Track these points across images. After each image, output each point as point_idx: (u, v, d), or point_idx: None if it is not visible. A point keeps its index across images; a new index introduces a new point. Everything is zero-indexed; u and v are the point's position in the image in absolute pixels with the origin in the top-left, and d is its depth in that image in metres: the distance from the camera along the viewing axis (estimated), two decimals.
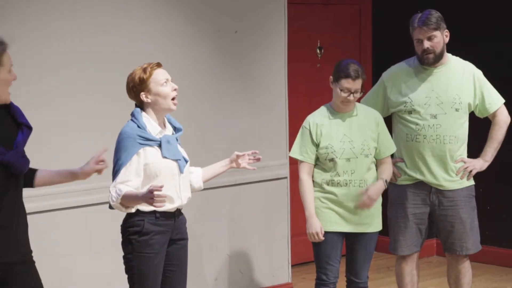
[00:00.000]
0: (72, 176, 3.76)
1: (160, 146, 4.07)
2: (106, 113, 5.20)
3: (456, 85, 4.89)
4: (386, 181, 4.74)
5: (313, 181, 4.75)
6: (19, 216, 3.55)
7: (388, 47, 6.98)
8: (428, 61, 4.84)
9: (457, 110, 4.87)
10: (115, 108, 5.17)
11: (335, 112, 4.73)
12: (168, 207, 4.09)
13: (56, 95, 5.03)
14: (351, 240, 4.75)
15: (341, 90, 4.62)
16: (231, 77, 5.83)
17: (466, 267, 5.05)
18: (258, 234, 6.05)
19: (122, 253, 4.14)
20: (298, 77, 6.64)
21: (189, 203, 5.63)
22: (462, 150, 4.96)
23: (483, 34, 6.87)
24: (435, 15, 4.83)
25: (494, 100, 4.96)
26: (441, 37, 4.83)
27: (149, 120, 4.10)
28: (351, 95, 4.62)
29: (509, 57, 6.78)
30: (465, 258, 5.03)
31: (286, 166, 6.08)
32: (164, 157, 4.07)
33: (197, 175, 4.39)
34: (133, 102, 5.30)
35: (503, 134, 5.02)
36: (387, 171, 4.77)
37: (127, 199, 3.92)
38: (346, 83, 4.61)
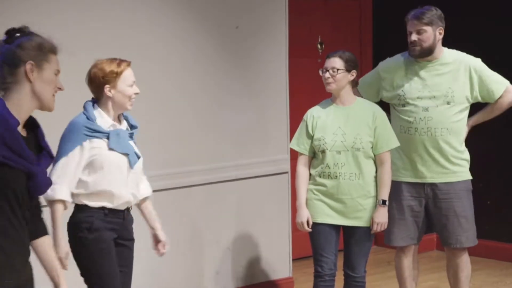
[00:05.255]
0: (54, 282, 3.34)
1: (108, 138, 4.01)
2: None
3: (449, 78, 4.92)
4: (384, 201, 4.76)
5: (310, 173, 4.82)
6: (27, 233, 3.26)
7: (389, 42, 6.99)
8: (414, 53, 4.91)
9: (448, 103, 4.91)
10: None
11: (334, 105, 4.80)
12: (116, 203, 4.03)
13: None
14: (346, 234, 4.80)
15: (322, 73, 4.75)
16: (232, 72, 5.84)
17: (464, 261, 5.06)
18: (259, 229, 6.07)
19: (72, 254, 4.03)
20: (299, 73, 6.65)
21: (191, 197, 5.69)
22: (459, 141, 4.97)
23: (486, 35, 6.90)
24: (432, 11, 4.90)
25: (496, 87, 4.97)
26: (432, 33, 4.87)
27: (100, 114, 4.05)
28: (327, 72, 4.72)
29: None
30: (462, 252, 5.05)
31: (287, 161, 6.10)
32: (111, 149, 4.01)
33: (142, 191, 4.25)
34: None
35: (499, 113, 5.08)
36: (385, 185, 4.76)
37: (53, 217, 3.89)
38: (325, 63, 4.76)
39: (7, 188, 3.02)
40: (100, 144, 4.00)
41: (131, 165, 4.08)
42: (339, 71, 4.72)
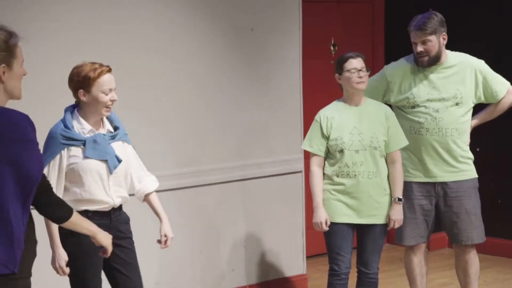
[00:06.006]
0: None
1: (85, 145, 3.95)
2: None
3: (456, 81, 4.97)
4: (399, 199, 4.84)
5: (324, 173, 4.84)
6: None
7: (400, 44, 7.02)
8: (423, 64, 4.95)
9: (457, 104, 4.97)
10: (123, 105, 5.15)
11: (346, 105, 4.83)
12: (98, 207, 4.01)
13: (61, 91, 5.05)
14: (361, 232, 4.84)
15: (350, 73, 4.74)
16: (248, 73, 5.89)
17: (473, 258, 5.11)
18: (273, 227, 6.10)
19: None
20: (313, 74, 6.68)
21: (206, 195, 5.75)
22: (463, 141, 5.03)
23: (486, 35, 6.96)
24: (433, 19, 4.91)
25: (500, 88, 5.05)
26: (437, 41, 4.91)
27: (78, 120, 3.99)
28: (359, 72, 4.75)
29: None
30: (471, 249, 5.10)
31: (301, 161, 6.14)
32: (86, 157, 3.94)
33: (144, 187, 4.21)
34: (144, 100, 5.41)
35: (500, 113, 5.16)
36: (398, 183, 4.84)
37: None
38: (350, 64, 4.76)
39: None
40: (77, 152, 3.94)
41: (110, 170, 4.01)
42: (368, 71, 4.81)
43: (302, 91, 6.18)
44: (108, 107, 4.00)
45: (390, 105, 5.11)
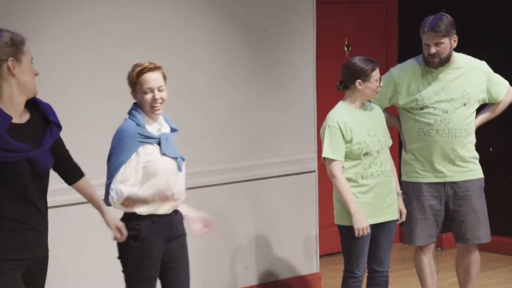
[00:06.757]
0: (99, 211, 3.86)
1: (159, 144, 3.99)
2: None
3: (464, 82, 5.02)
4: (401, 193, 4.99)
5: None
6: (46, 216, 3.57)
7: (414, 45, 7.07)
8: (433, 65, 4.98)
9: (465, 105, 5.02)
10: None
11: (352, 108, 4.84)
12: (166, 208, 4.03)
13: (81, 91, 5.07)
14: (376, 230, 4.84)
15: (377, 83, 4.78)
16: (262, 73, 5.92)
17: (477, 257, 5.16)
18: (287, 226, 6.12)
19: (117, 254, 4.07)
20: (326, 74, 6.70)
21: (221, 195, 5.79)
22: (470, 141, 5.08)
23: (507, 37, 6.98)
24: (445, 21, 4.94)
25: (501, 88, 5.13)
26: (449, 43, 4.95)
27: (146, 119, 4.01)
28: (381, 82, 4.84)
29: None
30: (476, 248, 5.14)
31: (314, 160, 6.16)
32: (163, 154, 3.99)
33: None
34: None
35: (501, 112, 5.21)
36: (397, 178, 4.99)
37: (131, 201, 3.93)
38: (377, 74, 4.80)
39: (13, 179, 3.38)
40: (152, 150, 3.97)
41: (179, 168, 4.06)
42: None
43: (316, 91, 6.21)
44: (153, 107, 3.99)
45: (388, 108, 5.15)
